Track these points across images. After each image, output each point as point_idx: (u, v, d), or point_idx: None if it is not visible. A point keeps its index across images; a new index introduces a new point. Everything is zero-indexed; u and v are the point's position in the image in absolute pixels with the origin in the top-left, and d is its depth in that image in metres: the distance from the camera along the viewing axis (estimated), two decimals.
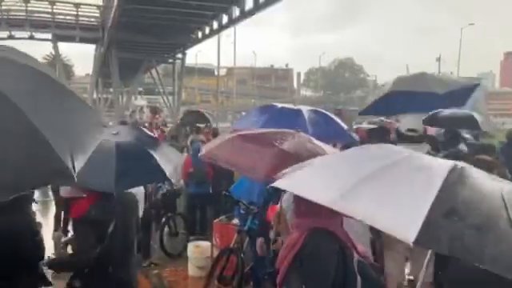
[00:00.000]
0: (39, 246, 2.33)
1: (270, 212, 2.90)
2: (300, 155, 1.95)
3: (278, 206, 2.32)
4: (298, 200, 1.86)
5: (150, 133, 3.47)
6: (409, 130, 4.48)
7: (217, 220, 5.17)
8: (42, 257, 2.34)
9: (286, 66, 76.00)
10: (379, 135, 4.79)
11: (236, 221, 4.78)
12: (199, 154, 2.75)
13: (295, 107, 4.55)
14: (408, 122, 4.58)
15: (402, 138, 4.40)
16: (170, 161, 2.75)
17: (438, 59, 42.09)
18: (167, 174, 2.65)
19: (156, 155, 2.64)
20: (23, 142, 1.17)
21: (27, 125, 1.17)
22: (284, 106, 4.55)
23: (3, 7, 22.22)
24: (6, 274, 2.07)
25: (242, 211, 4.44)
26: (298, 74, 52.92)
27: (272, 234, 2.37)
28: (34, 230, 2.33)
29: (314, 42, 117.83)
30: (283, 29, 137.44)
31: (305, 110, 4.36)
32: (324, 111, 4.75)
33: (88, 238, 2.48)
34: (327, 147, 2.19)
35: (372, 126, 5.54)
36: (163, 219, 5.69)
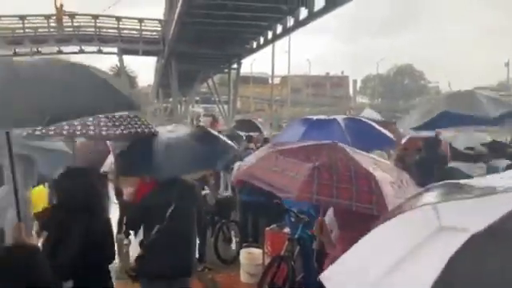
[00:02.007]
0: (113, 245, 2.61)
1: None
2: (335, 170, 1.96)
3: (320, 218, 2.36)
4: (342, 213, 1.89)
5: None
6: (466, 148, 4.28)
7: (268, 228, 5.26)
8: (114, 256, 2.61)
9: (342, 73, 74.70)
10: (433, 146, 4.65)
11: (287, 229, 4.84)
12: (234, 175, 3.00)
13: (330, 117, 4.53)
14: (462, 139, 4.37)
15: (458, 157, 4.20)
16: (219, 152, 3.15)
17: (507, 64, 39.26)
18: (213, 163, 3.13)
19: (205, 147, 3.03)
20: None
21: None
22: (319, 118, 4.55)
23: (75, 24, 24.10)
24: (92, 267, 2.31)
25: (292, 220, 4.50)
26: (355, 82, 51.90)
27: (315, 245, 2.41)
28: (112, 231, 2.62)
29: (370, 48, 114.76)
30: (338, 36, 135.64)
31: (340, 119, 4.34)
32: (361, 118, 4.70)
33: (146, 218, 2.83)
34: (363, 158, 2.17)
35: (427, 135, 5.37)
36: (218, 225, 5.88)
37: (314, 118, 4.56)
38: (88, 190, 2.36)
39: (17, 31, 23.96)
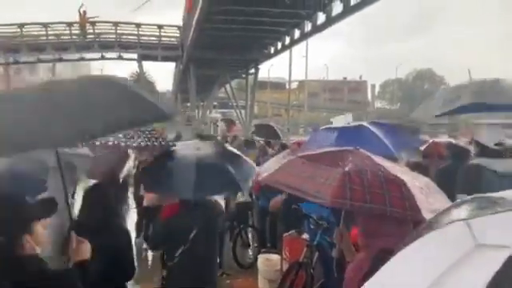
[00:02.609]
0: (133, 262, 2.64)
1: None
2: (365, 175, 1.94)
3: (341, 225, 2.34)
4: (367, 220, 1.86)
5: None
6: (496, 144, 4.15)
7: (286, 234, 5.24)
8: (133, 272, 2.65)
9: (360, 77, 74.08)
10: (462, 156, 4.46)
11: (306, 235, 4.81)
12: (258, 179, 2.93)
13: (356, 123, 4.45)
14: (486, 133, 4.24)
15: (487, 153, 4.04)
16: (245, 174, 3.07)
17: None
18: (241, 186, 3.00)
19: (232, 168, 2.95)
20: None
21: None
22: (346, 126, 4.46)
23: (96, 31, 24.63)
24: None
25: (311, 226, 4.47)
26: (373, 86, 51.37)
27: (334, 253, 2.39)
28: (131, 247, 2.65)
29: (388, 52, 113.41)
30: (356, 40, 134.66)
31: (368, 124, 4.26)
32: (385, 122, 4.58)
33: (169, 239, 2.86)
34: (388, 163, 2.14)
35: (450, 141, 5.25)
36: (236, 231, 5.89)
37: (339, 125, 4.48)
38: (105, 209, 2.42)
39: (40, 38, 24.60)
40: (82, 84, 1.94)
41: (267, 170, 2.41)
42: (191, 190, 2.75)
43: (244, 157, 3.39)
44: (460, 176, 3.45)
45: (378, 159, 2.08)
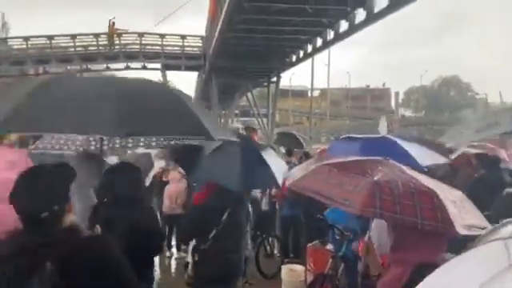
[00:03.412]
0: (160, 234, 2.69)
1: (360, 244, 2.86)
2: (395, 186, 1.90)
3: (366, 236, 2.28)
4: (401, 233, 1.80)
5: None
6: None
7: (310, 244, 5.16)
8: (162, 245, 2.73)
9: (383, 85, 73.18)
10: (494, 164, 4.30)
11: (330, 246, 4.73)
12: (286, 184, 3.04)
13: (379, 135, 4.38)
14: None
15: None
16: (280, 171, 3.33)
17: None
18: (279, 182, 3.27)
19: (271, 164, 3.21)
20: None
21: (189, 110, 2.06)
22: (368, 136, 4.38)
23: (122, 42, 25.25)
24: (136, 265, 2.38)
25: (336, 236, 4.39)
26: (397, 94, 50.52)
27: (360, 266, 2.33)
28: (157, 220, 2.72)
29: (413, 59, 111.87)
30: (379, 47, 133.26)
31: (393, 136, 4.18)
32: (411, 135, 4.48)
33: (203, 222, 2.96)
34: (419, 175, 2.09)
35: (479, 151, 5.07)
36: (259, 240, 5.85)
37: (360, 136, 4.41)
38: (130, 183, 2.46)
39: (68, 49, 25.38)
40: (140, 84, 2.14)
41: (296, 175, 2.41)
42: (238, 182, 3.01)
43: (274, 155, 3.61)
44: (497, 204, 3.30)
45: (409, 170, 2.03)
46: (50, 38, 25.27)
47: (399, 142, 3.97)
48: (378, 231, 2.50)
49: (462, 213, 1.80)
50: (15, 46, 26.23)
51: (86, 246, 1.56)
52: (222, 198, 3.14)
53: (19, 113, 1.68)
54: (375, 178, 1.85)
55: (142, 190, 2.69)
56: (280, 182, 3.39)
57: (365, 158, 2.29)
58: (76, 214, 2.12)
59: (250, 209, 4.12)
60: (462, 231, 1.69)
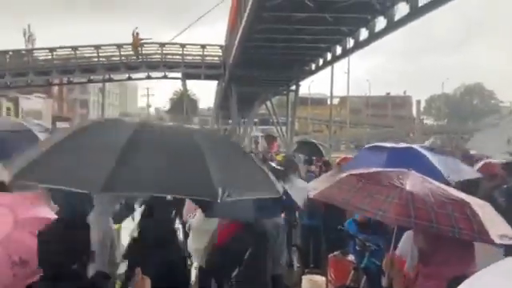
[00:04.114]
0: (188, 277, 2.70)
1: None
2: (426, 195, 1.87)
3: (391, 250, 2.24)
4: (433, 246, 1.77)
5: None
6: None
7: (332, 255, 5.10)
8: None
9: (404, 93, 72.21)
10: None
11: (352, 257, 4.66)
12: (311, 195, 2.92)
13: (406, 145, 4.29)
14: None
15: None
16: (299, 193, 3.22)
17: None
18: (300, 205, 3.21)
19: (289, 190, 3.07)
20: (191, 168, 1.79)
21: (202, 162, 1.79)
22: (396, 146, 4.30)
23: (144, 52, 25.75)
24: None
25: (357, 248, 4.32)
26: (418, 102, 49.83)
27: (384, 282, 2.28)
28: (185, 262, 2.72)
29: (434, 66, 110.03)
30: (399, 54, 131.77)
31: (420, 148, 4.09)
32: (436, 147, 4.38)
33: (225, 264, 2.95)
34: (445, 187, 2.05)
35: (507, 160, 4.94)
36: None
37: (388, 145, 4.33)
38: (165, 227, 2.49)
39: (92, 60, 26.04)
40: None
41: (316, 187, 2.39)
42: (252, 213, 2.79)
43: (296, 177, 3.48)
44: None
45: (435, 182, 2.00)
46: (75, 48, 25.99)
47: (426, 153, 3.87)
48: (405, 245, 2.45)
49: (494, 224, 1.76)
50: (41, 57, 27.05)
51: None
52: (242, 238, 3.06)
53: (37, 163, 1.66)
54: (407, 188, 1.83)
55: (173, 233, 2.67)
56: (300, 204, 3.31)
57: (390, 169, 2.26)
58: (98, 243, 2.16)
59: (283, 221, 4.01)
60: (498, 240, 1.66)
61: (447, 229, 1.68)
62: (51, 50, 26.22)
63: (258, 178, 2.06)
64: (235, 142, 2.61)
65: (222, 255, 3.12)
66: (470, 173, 4.07)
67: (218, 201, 1.64)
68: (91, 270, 1.85)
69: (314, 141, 10.71)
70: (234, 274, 2.99)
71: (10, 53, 27.74)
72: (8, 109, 36.52)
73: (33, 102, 41.28)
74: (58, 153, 1.74)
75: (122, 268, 2.82)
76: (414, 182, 1.98)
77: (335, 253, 5.13)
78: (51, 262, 1.60)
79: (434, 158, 3.77)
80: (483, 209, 1.85)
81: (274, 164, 6.10)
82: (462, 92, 66.69)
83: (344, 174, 2.26)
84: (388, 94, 71.67)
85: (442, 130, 45.83)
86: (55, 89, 44.24)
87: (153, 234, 2.47)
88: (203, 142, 1.90)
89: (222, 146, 2.21)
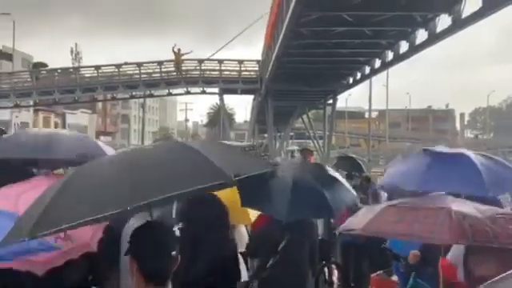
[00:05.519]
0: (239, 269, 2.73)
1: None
2: (474, 212, 1.81)
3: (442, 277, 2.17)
4: (495, 263, 1.70)
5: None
6: None
7: (374, 274, 4.95)
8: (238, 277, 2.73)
9: (446, 106, 69.88)
10: None
11: (395, 277, 4.50)
12: (354, 232, 2.85)
13: (455, 151, 4.08)
14: None
15: None
16: (340, 200, 3.17)
17: None
18: (334, 212, 3.19)
19: (326, 193, 3.01)
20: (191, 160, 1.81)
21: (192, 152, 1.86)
22: (443, 151, 4.11)
23: (183, 68, 26.53)
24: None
25: (400, 270, 4.17)
26: (462, 115, 48.13)
27: None
28: (237, 255, 2.76)
29: (478, 78, 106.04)
30: (441, 66, 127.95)
31: (471, 154, 3.87)
32: (492, 156, 4.12)
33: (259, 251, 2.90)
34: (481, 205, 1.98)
35: None
36: (318, 267, 5.71)
37: (437, 149, 4.16)
38: (216, 221, 2.51)
39: (134, 76, 27.10)
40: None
41: (359, 221, 2.38)
42: (285, 212, 2.83)
43: (344, 182, 3.43)
44: None
45: (469, 202, 1.95)
46: (118, 66, 27.18)
47: (476, 161, 3.67)
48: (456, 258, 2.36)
49: None
50: (87, 74, 28.46)
51: None
52: (280, 225, 3.01)
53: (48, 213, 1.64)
54: (454, 208, 1.78)
55: (225, 227, 2.65)
56: (342, 207, 3.26)
57: (424, 197, 2.24)
58: None
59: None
60: None
61: (509, 242, 1.62)
62: (96, 67, 27.54)
63: (248, 158, 2.14)
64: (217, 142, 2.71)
65: (256, 241, 3.12)
66: None
67: (233, 181, 1.71)
68: None
69: (354, 156, 10.53)
70: (270, 263, 2.96)
71: (59, 71, 29.42)
72: (56, 124, 38.55)
73: (78, 117, 43.38)
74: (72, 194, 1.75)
75: None
76: (455, 202, 1.93)
77: (378, 272, 4.97)
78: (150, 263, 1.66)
79: (482, 168, 3.57)
80: None
81: None
82: (509, 104, 63.75)
83: (383, 206, 2.23)
84: (429, 107, 69.63)
85: (489, 145, 43.81)
86: (99, 104, 46.37)
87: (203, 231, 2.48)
88: (191, 145, 1.99)
89: (211, 143, 2.32)
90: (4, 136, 4.29)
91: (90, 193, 1.69)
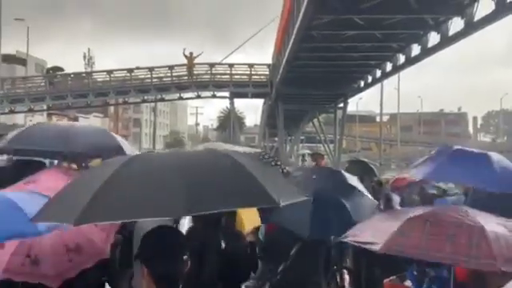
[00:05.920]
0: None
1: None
2: (504, 228, 1.77)
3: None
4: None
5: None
6: None
7: (387, 280, 4.89)
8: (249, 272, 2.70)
9: (459, 109, 69.02)
10: None
11: (409, 282, 4.44)
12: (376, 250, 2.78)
13: (476, 151, 4.03)
14: None
15: None
16: (361, 211, 3.15)
17: None
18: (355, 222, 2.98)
19: (349, 206, 2.88)
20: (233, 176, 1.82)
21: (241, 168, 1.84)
22: (463, 149, 4.06)
23: (194, 72, 26.66)
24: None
25: (414, 272, 4.12)
26: (474, 119, 47.39)
27: None
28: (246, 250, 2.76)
29: (491, 81, 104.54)
30: (453, 69, 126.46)
31: (492, 154, 3.83)
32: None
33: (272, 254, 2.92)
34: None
35: None
36: (330, 272, 5.67)
37: (455, 147, 4.10)
38: (223, 236, 2.51)
39: (145, 81, 27.31)
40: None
41: (375, 233, 2.29)
42: (307, 229, 2.81)
43: (363, 191, 3.36)
44: None
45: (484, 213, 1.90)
46: (130, 70, 27.44)
47: (494, 160, 3.64)
48: None
49: None
50: (99, 79, 28.77)
51: None
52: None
53: (98, 202, 1.63)
54: (485, 226, 1.72)
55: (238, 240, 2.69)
56: (363, 219, 3.19)
57: (442, 207, 2.18)
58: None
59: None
60: None
61: None
62: (109, 72, 27.83)
63: (288, 185, 2.15)
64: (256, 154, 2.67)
65: (266, 245, 3.12)
66: None
67: (280, 206, 1.66)
68: None
69: (366, 160, 10.43)
70: (281, 268, 2.92)
71: (72, 75, 29.80)
72: None
73: (91, 121, 43.88)
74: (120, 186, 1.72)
75: None
76: (480, 216, 1.87)
77: (391, 278, 4.91)
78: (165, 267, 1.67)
79: (499, 168, 3.54)
80: None
81: None
82: None
83: (404, 219, 2.13)
84: (441, 110, 68.84)
85: (503, 148, 43.08)
86: (111, 108, 46.82)
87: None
88: (235, 156, 1.95)
89: (251, 159, 2.28)
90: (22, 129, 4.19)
91: (141, 191, 1.67)
